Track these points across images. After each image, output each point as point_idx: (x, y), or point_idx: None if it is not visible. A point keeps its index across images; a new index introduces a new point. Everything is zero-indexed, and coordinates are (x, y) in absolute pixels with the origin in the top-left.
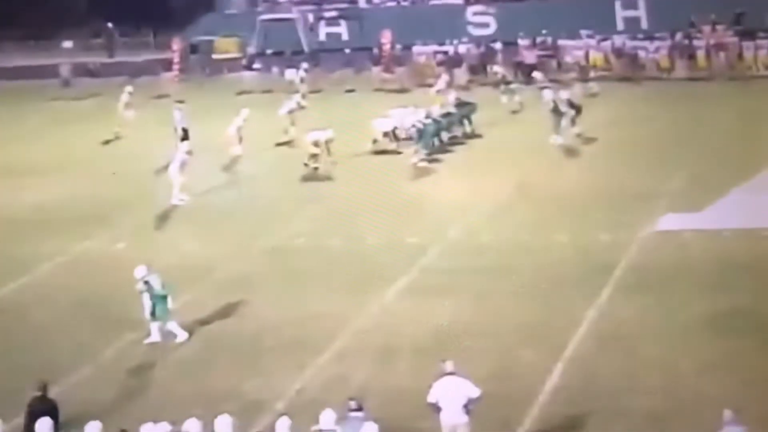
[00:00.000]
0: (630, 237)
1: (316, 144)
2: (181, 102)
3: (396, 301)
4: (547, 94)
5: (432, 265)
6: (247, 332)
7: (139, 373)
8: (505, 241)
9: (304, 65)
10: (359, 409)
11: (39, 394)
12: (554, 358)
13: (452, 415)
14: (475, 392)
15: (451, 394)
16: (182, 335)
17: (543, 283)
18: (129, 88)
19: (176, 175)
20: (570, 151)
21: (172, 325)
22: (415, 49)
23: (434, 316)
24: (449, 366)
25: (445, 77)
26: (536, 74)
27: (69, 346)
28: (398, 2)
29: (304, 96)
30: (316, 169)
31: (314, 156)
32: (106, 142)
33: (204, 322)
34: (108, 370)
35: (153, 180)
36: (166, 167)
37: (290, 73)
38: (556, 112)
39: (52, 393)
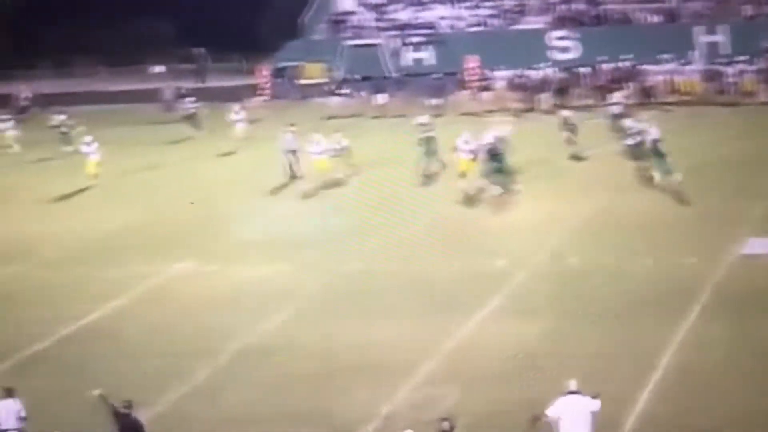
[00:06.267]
0: (715, 261)
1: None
2: (292, 125)
3: (483, 326)
4: (628, 123)
5: (518, 289)
6: (331, 354)
7: (224, 394)
8: (590, 265)
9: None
10: (452, 429)
11: (125, 412)
12: (639, 384)
13: None
14: (596, 405)
15: (575, 412)
16: None
17: (628, 308)
18: (236, 107)
19: None
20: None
21: None
22: (497, 73)
23: (519, 341)
24: (573, 384)
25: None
26: (617, 95)
27: (161, 367)
28: (482, 27)
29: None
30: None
31: None
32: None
33: (289, 343)
34: (198, 392)
35: (245, 203)
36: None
37: (381, 98)
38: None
39: (146, 414)
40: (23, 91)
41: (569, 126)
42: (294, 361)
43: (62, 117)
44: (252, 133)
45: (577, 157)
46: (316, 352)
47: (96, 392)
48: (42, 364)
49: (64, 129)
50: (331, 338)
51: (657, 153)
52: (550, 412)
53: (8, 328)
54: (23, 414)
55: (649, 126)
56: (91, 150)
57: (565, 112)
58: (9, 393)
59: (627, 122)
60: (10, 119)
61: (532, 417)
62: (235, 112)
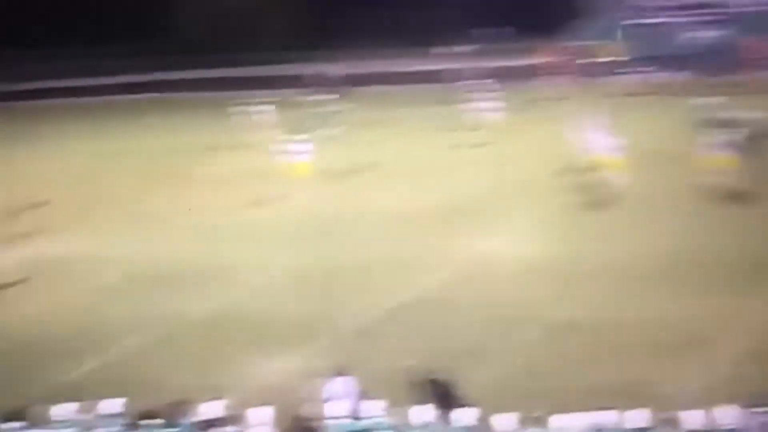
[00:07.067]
0: None
1: None
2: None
3: None
4: None
5: None
6: (646, 329)
7: (536, 366)
8: None
9: None
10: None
11: (434, 377)
12: None
13: None
14: None
15: None
16: None
17: None
18: (486, 94)
19: None
20: None
21: None
22: None
23: None
24: None
25: None
26: None
27: (480, 339)
28: None
29: None
30: None
31: None
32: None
33: (604, 317)
34: (515, 362)
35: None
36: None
37: (670, 76)
38: None
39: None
40: (337, 70)
41: None
42: (610, 336)
43: (333, 97)
44: (519, 119)
45: None
46: (631, 325)
47: (409, 363)
48: (369, 338)
49: (333, 108)
50: (644, 313)
51: None
52: None
53: (324, 305)
54: (356, 390)
55: None
56: (302, 149)
57: None
58: (341, 371)
59: None
60: (273, 102)
61: None
62: (484, 100)
